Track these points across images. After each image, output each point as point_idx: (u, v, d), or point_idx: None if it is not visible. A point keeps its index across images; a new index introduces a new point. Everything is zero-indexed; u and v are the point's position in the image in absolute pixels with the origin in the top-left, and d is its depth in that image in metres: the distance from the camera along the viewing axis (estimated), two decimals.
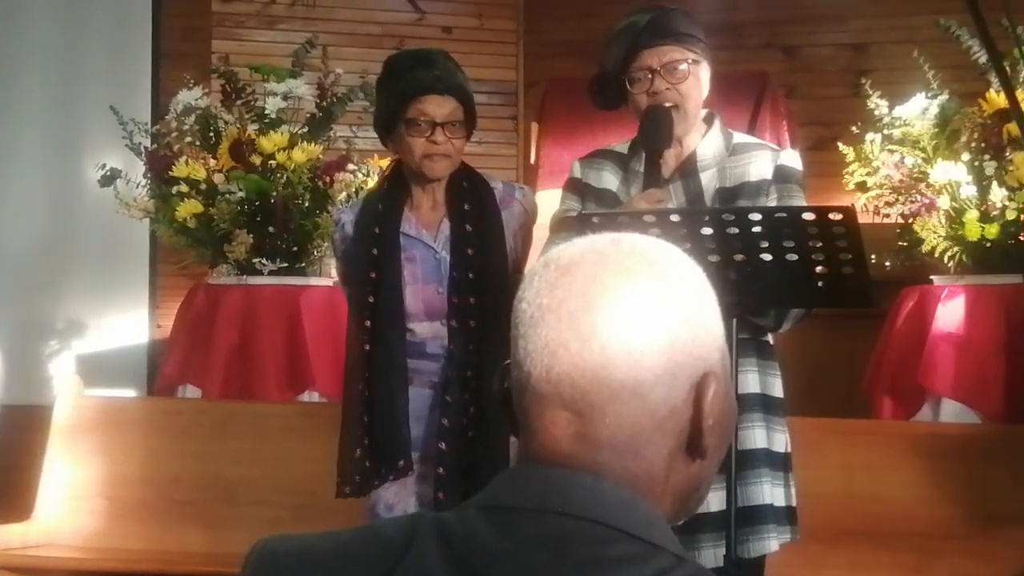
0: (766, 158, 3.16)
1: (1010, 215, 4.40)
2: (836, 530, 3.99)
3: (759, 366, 3.13)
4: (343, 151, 5.24)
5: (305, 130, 5.19)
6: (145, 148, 5.22)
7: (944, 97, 4.60)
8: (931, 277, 4.62)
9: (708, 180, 3.15)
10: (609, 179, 3.22)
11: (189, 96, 5.18)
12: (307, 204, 5.07)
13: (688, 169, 3.16)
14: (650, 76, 3.11)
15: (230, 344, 5.02)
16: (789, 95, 6.40)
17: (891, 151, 4.58)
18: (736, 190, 3.12)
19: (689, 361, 1.20)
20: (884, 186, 4.55)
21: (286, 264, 5.08)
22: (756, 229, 2.82)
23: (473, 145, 3.51)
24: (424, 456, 3.37)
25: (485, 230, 3.42)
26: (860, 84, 4.82)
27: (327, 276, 5.21)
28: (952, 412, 4.46)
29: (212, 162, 5.11)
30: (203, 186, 5.05)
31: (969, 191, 4.44)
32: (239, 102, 5.19)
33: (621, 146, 3.25)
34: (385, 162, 5.08)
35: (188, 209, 5.02)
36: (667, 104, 3.10)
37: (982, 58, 4.47)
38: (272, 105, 5.13)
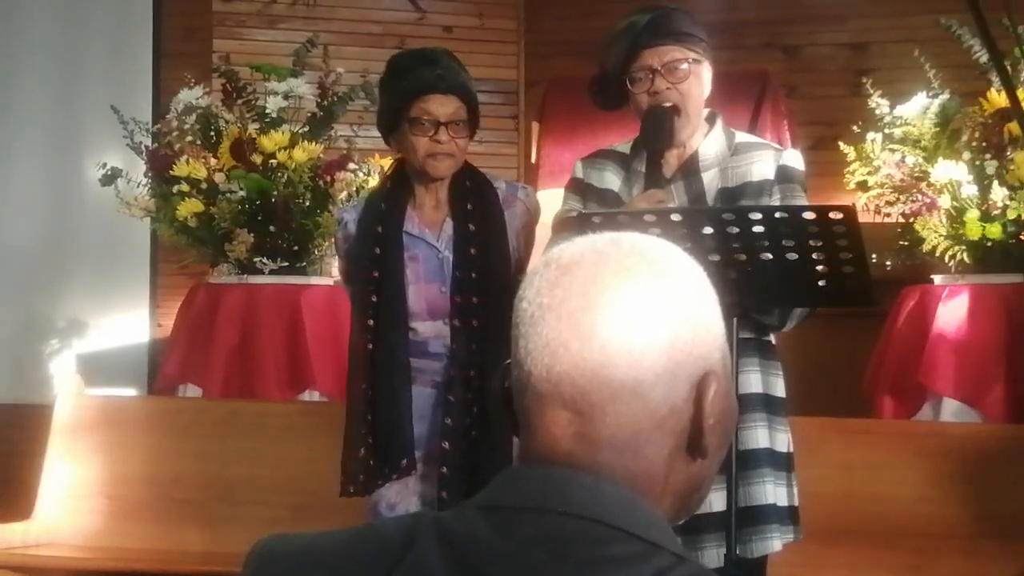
0: (769, 158, 3.15)
1: (1011, 214, 4.40)
2: (836, 530, 3.99)
3: (761, 366, 3.13)
4: (344, 150, 5.24)
5: (306, 129, 5.19)
6: (146, 147, 5.22)
7: (945, 96, 4.60)
8: (932, 276, 4.62)
9: (710, 180, 3.14)
10: (611, 179, 3.22)
11: (190, 95, 5.18)
12: (308, 203, 5.07)
13: (690, 169, 3.15)
14: (651, 76, 3.11)
15: (231, 343, 5.02)
16: (790, 95, 6.40)
17: (892, 150, 4.58)
18: (738, 190, 3.12)
19: (689, 360, 1.20)
20: (885, 185, 4.56)
21: (287, 263, 5.09)
22: (757, 228, 2.82)
23: (474, 144, 3.51)
24: (427, 455, 3.38)
25: (488, 230, 3.42)
26: (861, 83, 4.82)
27: (328, 275, 5.21)
28: (953, 411, 4.46)
29: (213, 161, 5.11)
30: (204, 185, 5.05)
31: (970, 190, 4.43)
32: (240, 101, 5.19)
33: (623, 146, 3.25)
34: (386, 161, 5.08)
35: (189, 208, 5.02)
36: (667, 104, 3.10)
37: (983, 57, 4.47)
38: (273, 104, 5.13)
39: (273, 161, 5.03)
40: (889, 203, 4.57)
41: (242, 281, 5.09)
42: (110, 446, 4.73)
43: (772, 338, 3.19)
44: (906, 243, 4.58)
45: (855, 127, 4.81)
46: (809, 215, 2.82)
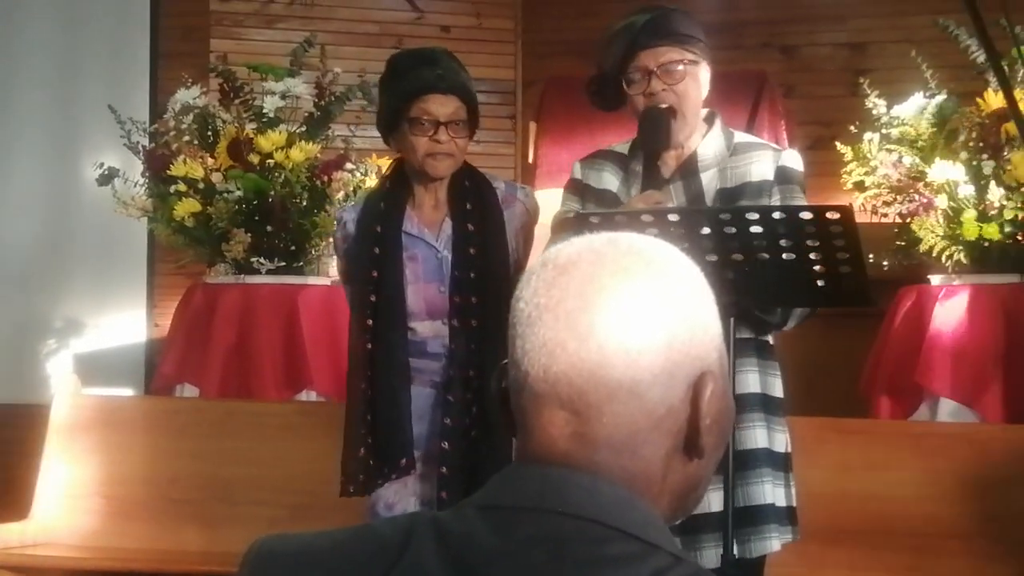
0: (768, 158, 3.15)
1: (1008, 215, 4.40)
2: (834, 530, 3.99)
3: (759, 366, 3.13)
4: (341, 150, 5.24)
5: (303, 129, 5.19)
6: (143, 147, 5.22)
7: (942, 97, 4.60)
8: (929, 277, 4.62)
9: (709, 180, 3.14)
10: (609, 180, 3.22)
11: (187, 95, 5.18)
12: (305, 203, 5.07)
13: (689, 169, 3.15)
14: (647, 77, 3.11)
15: (228, 343, 5.02)
16: (787, 95, 6.41)
17: (889, 150, 4.58)
18: (737, 190, 3.12)
19: (687, 360, 1.20)
20: (882, 185, 4.56)
21: (284, 263, 5.08)
22: (754, 229, 2.82)
23: (471, 144, 3.51)
24: (426, 455, 3.38)
25: (487, 230, 3.42)
26: (858, 83, 4.82)
27: (325, 275, 5.20)
28: (950, 411, 4.46)
29: (210, 161, 5.11)
30: (201, 185, 5.05)
31: (967, 190, 4.44)
32: (237, 101, 5.18)
33: (622, 147, 3.25)
34: (383, 161, 5.09)
35: (186, 208, 5.02)
36: (663, 105, 3.10)
37: (980, 58, 4.47)
38: (270, 104, 5.13)
39: (270, 161, 5.03)
40: (886, 203, 4.57)
41: (239, 281, 5.09)
42: (107, 446, 4.72)
43: (770, 338, 3.19)
44: (903, 243, 4.58)
45: (852, 127, 4.81)
46: (806, 215, 2.82)
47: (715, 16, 6.19)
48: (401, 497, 3.39)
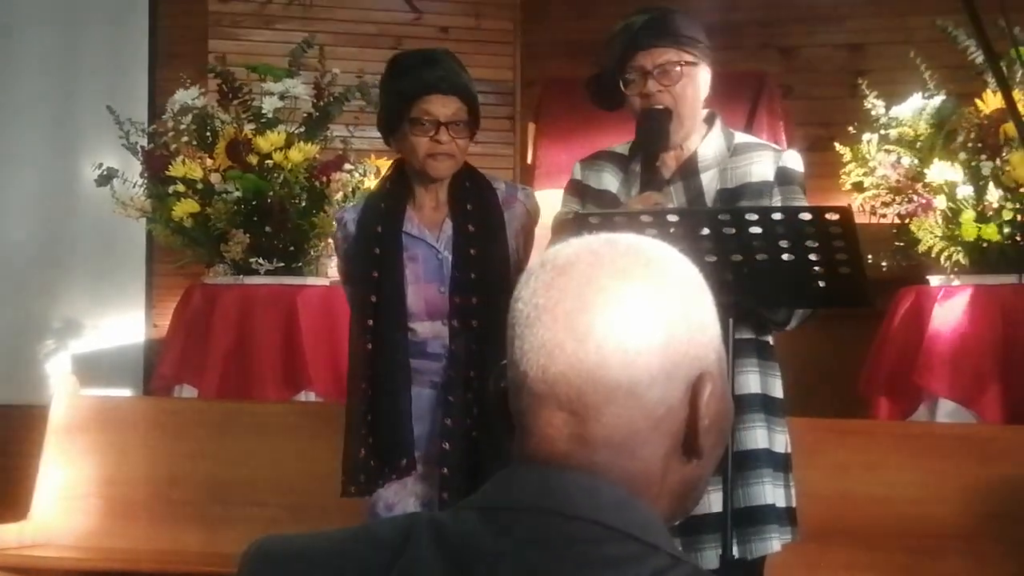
0: (768, 159, 3.15)
1: (1007, 215, 4.40)
2: (833, 530, 3.99)
3: (760, 366, 3.14)
4: (340, 151, 5.24)
5: (302, 130, 5.19)
6: (142, 148, 5.22)
7: (941, 97, 4.60)
8: (928, 277, 4.62)
9: (709, 181, 3.14)
10: (609, 180, 3.22)
11: (186, 96, 5.18)
12: (304, 204, 5.07)
13: (689, 170, 3.15)
14: (643, 77, 3.11)
15: (226, 344, 5.02)
16: (786, 95, 6.40)
17: (888, 151, 4.58)
18: (738, 191, 3.12)
19: (685, 361, 1.20)
20: (881, 186, 4.56)
21: (282, 264, 5.08)
22: (753, 229, 2.82)
23: (470, 145, 3.51)
24: (426, 456, 3.38)
25: (487, 230, 3.42)
26: (857, 84, 4.82)
27: (324, 276, 5.20)
28: (948, 412, 4.46)
29: (209, 162, 5.11)
30: (200, 186, 5.05)
31: (966, 191, 4.43)
32: (236, 102, 5.19)
33: (622, 147, 3.25)
34: (382, 162, 5.09)
35: (185, 209, 5.02)
36: (658, 106, 3.10)
37: (979, 58, 4.47)
38: (269, 105, 5.13)
39: (269, 162, 5.03)
40: (885, 204, 4.57)
41: (238, 282, 5.09)
42: (106, 446, 4.72)
43: (770, 339, 3.19)
44: (902, 244, 4.58)
45: (851, 128, 4.81)
46: (805, 216, 2.82)
47: (714, 17, 6.18)
48: (401, 498, 3.39)
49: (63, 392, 4.86)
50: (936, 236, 4.48)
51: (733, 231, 2.83)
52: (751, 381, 3.11)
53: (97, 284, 6.43)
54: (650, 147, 3.10)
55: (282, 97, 5.16)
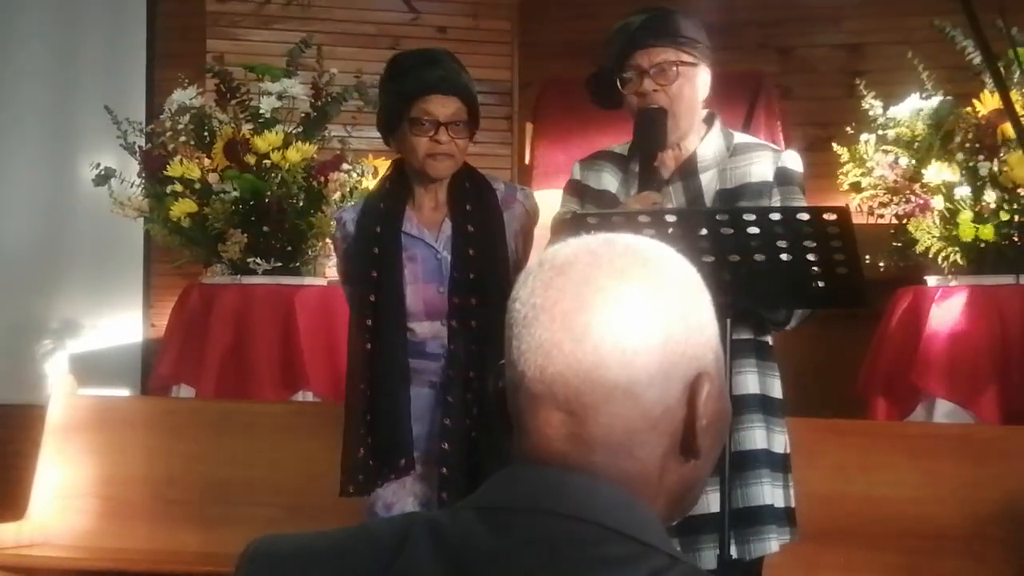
0: (767, 159, 3.15)
1: (1003, 216, 4.40)
2: (831, 531, 3.99)
3: (759, 367, 3.14)
4: (338, 151, 5.23)
5: (300, 130, 5.19)
6: (140, 147, 5.21)
7: (939, 98, 4.60)
8: (925, 278, 4.62)
9: (708, 181, 3.14)
10: (609, 180, 3.22)
11: (184, 95, 5.18)
12: (301, 204, 5.07)
13: (688, 170, 3.15)
14: (641, 76, 3.11)
15: (224, 344, 5.01)
16: (784, 96, 6.41)
17: (885, 151, 4.58)
18: (737, 191, 3.12)
19: (683, 361, 1.20)
20: (879, 187, 4.56)
21: (280, 264, 5.08)
22: (750, 229, 2.82)
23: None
24: (425, 456, 3.38)
25: (487, 231, 3.42)
26: (855, 85, 4.82)
27: (321, 276, 5.20)
28: (946, 412, 4.46)
29: (206, 161, 5.10)
30: (197, 185, 5.05)
31: (963, 191, 4.44)
32: (234, 101, 5.18)
33: (621, 148, 3.25)
34: (380, 162, 5.09)
35: (182, 208, 5.01)
36: (654, 106, 3.10)
37: (976, 59, 4.47)
38: (267, 105, 5.12)
39: (267, 161, 5.03)
40: (883, 204, 4.57)
41: (235, 281, 5.09)
42: (103, 446, 4.72)
43: (769, 339, 3.19)
44: (899, 244, 4.58)
45: (849, 128, 4.81)
46: (803, 216, 2.82)
47: (712, 17, 6.18)
48: (399, 498, 3.39)
49: (61, 392, 4.86)
50: (934, 236, 4.48)
51: (731, 231, 2.83)
52: (750, 381, 3.11)
53: (95, 284, 6.43)
54: (647, 147, 3.10)
55: (280, 97, 5.16)
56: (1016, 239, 4.44)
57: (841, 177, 4.67)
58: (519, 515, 1.16)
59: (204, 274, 5.26)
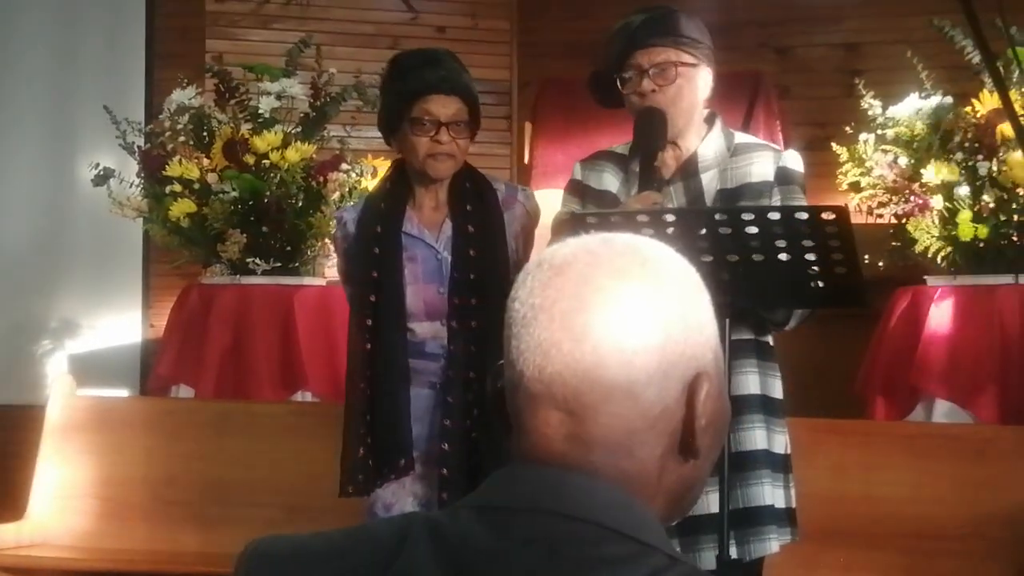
0: (768, 159, 3.15)
1: (1003, 216, 4.39)
2: (830, 530, 3.99)
3: (759, 367, 3.13)
4: (337, 151, 5.23)
5: (299, 130, 5.19)
6: (139, 147, 5.21)
7: (938, 97, 4.60)
8: (924, 277, 4.62)
9: (709, 181, 3.14)
10: (610, 180, 3.22)
11: (183, 95, 5.18)
12: (301, 204, 5.07)
13: (689, 170, 3.15)
14: (640, 76, 3.10)
15: (223, 344, 5.01)
16: (783, 95, 6.41)
17: (884, 151, 4.58)
18: (738, 191, 3.12)
19: (682, 361, 1.20)
20: (877, 186, 4.55)
21: (279, 264, 5.08)
22: (749, 229, 2.82)
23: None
24: (425, 456, 3.38)
25: (487, 231, 3.42)
26: (854, 84, 4.82)
27: (320, 276, 5.20)
28: (945, 412, 4.46)
29: (205, 162, 5.10)
30: (196, 186, 5.05)
31: (963, 191, 4.43)
32: (233, 101, 5.18)
33: (622, 148, 3.25)
34: (379, 162, 5.09)
35: (181, 209, 5.01)
36: (653, 106, 3.09)
37: (975, 58, 4.47)
38: (266, 104, 5.12)
39: (266, 161, 5.03)
40: (882, 204, 4.57)
41: (235, 282, 5.09)
42: (102, 447, 4.72)
43: (770, 339, 3.19)
44: (898, 244, 4.58)
45: (848, 128, 4.81)
46: (802, 216, 2.82)
47: (710, 17, 6.17)
48: (399, 498, 3.39)
49: (60, 392, 4.86)
50: (933, 236, 4.48)
51: (729, 231, 2.83)
52: (750, 382, 3.11)
53: (94, 284, 6.43)
54: (647, 147, 3.10)
55: (279, 97, 5.16)
56: (1015, 239, 4.44)
57: (840, 177, 4.67)
58: (518, 515, 1.16)
59: (203, 274, 5.26)
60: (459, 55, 3.54)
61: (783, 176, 3.13)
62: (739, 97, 5.97)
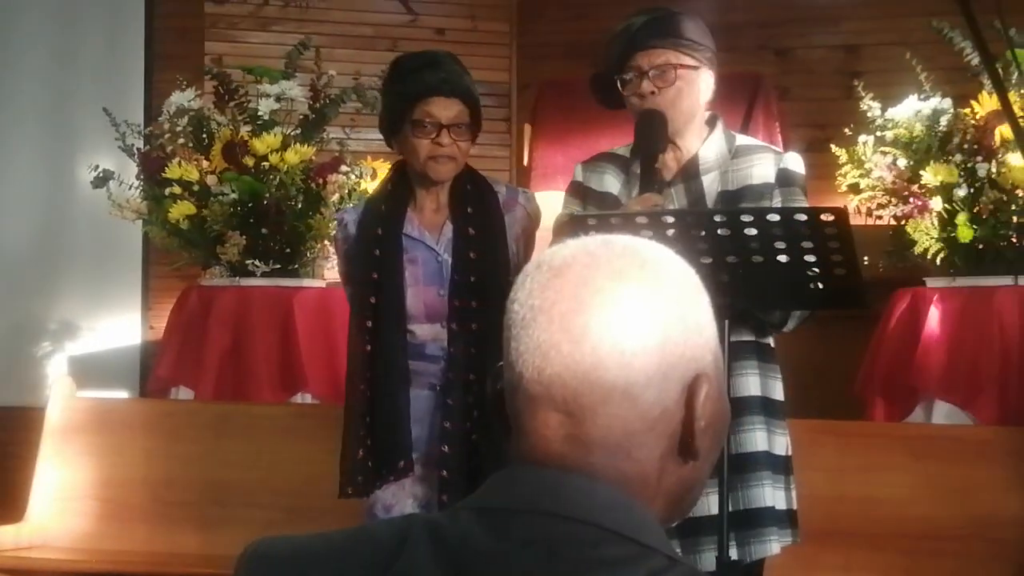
0: (769, 161, 3.15)
1: (1002, 217, 4.39)
2: (830, 532, 3.99)
3: (760, 369, 3.13)
4: (336, 153, 5.23)
5: (298, 132, 5.18)
6: (138, 150, 5.21)
7: (937, 99, 4.60)
8: (923, 279, 4.62)
9: (710, 183, 3.14)
10: (611, 182, 3.22)
11: (182, 98, 5.17)
12: (300, 206, 5.07)
13: (690, 172, 3.15)
14: (640, 77, 3.11)
15: (223, 346, 5.01)
16: (782, 97, 6.41)
17: (884, 153, 4.58)
18: (739, 193, 3.12)
19: (681, 362, 1.20)
20: (877, 188, 4.55)
21: (279, 266, 5.08)
22: (748, 231, 2.82)
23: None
24: (425, 458, 3.38)
25: (487, 234, 3.42)
26: (853, 86, 4.82)
27: (320, 278, 5.20)
28: (944, 414, 4.46)
29: (205, 164, 5.10)
30: (196, 188, 5.05)
31: (962, 193, 4.43)
32: (232, 104, 5.18)
33: (623, 149, 3.25)
34: (378, 164, 5.09)
35: (181, 211, 5.01)
36: (650, 107, 3.09)
37: (975, 60, 4.47)
38: (265, 107, 5.12)
39: (265, 163, 5.03)
40: (881, 205, 4.57)
41: (234, 283, 5.09)
42: (102, 448, 4.72)
43: (771, 341, 3.19)
44: (898, 246, 4.58)
45: (847, 130, 4.81)
46: (801, 217, 2.82)
47: (710, 18, 6.17)
48: (399, 499, 3.39)
49: (59, 394, 4.85)
50: (932, 238, 4.48)
51: (729, 233, 2.83)
52: (751, 383, 3.11)
53: (93, 286, 6.42)
54: (648, 149, 3.10)
55: (278, 99, 5.16)
56: (1014, 240, 4.44)
57: (839, 178, 4.67)
58: (518, 516, 1.16)
59: (203, 276, 5.26)
60: (458, 57, 3.54)
61: (784, 178, 3.13)
62: (738, 98, 5.97)
